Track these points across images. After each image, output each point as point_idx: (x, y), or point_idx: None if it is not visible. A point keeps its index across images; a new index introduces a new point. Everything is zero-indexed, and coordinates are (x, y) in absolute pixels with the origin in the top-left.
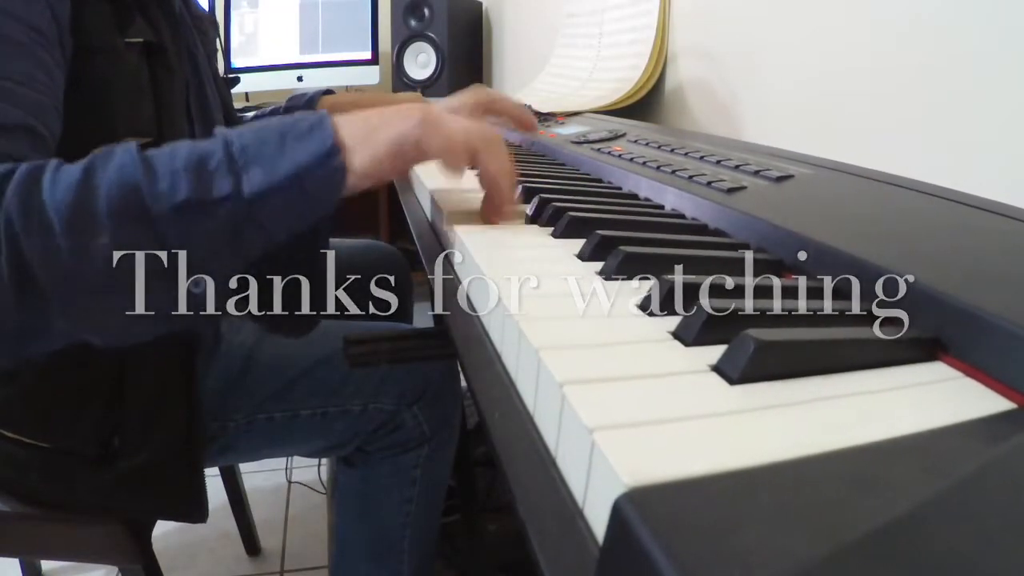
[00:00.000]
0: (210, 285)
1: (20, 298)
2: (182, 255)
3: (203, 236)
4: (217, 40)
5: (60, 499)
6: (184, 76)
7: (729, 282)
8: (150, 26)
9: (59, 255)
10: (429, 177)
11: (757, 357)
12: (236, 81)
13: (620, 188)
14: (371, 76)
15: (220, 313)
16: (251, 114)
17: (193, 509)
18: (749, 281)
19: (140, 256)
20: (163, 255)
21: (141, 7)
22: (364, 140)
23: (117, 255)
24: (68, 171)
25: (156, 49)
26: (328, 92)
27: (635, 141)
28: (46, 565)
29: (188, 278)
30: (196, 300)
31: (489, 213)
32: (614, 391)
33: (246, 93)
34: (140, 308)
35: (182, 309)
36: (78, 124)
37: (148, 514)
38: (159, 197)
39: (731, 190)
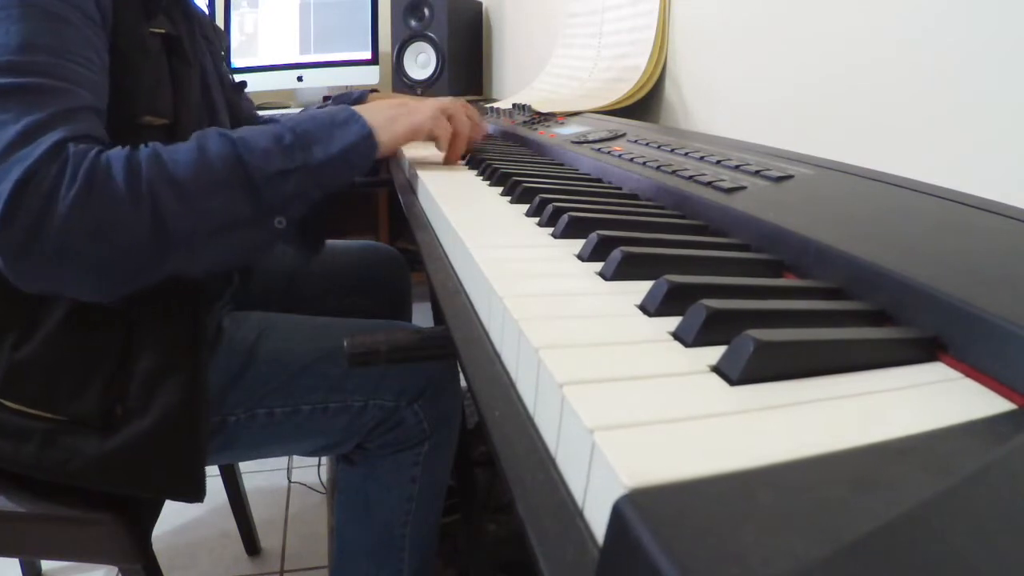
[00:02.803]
0: (286, 222)
1: (154, 242)
2: (269, 205)
3: (285, 192)
4: (223, 48)
5: (58, 472)
6: (198, 70)
7: (729, 282)
8: (169, 21)
9: (185, 211)
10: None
11: (757, 357)
12: (244, 85)
13: (620, 188)
14: (371, 76)
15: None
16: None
17: (191, 488)
18: (749, 281)
19: (242, 208)
20: (257, 206)
21: (163, 2)
22: (389, 126)
23: (227, 210)
24: (183, 148)
25: (175, 42)
26: (374, 91)
27: (635, 141)
28: (46, 565)
29: (273, 219)
30: (277, 235)
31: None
32: (614, 392)
33: (246, 85)
34: (236, 246)
35: (265, 244)
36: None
37: (145, 491)
38: (258, 167)
39: (731, 190)
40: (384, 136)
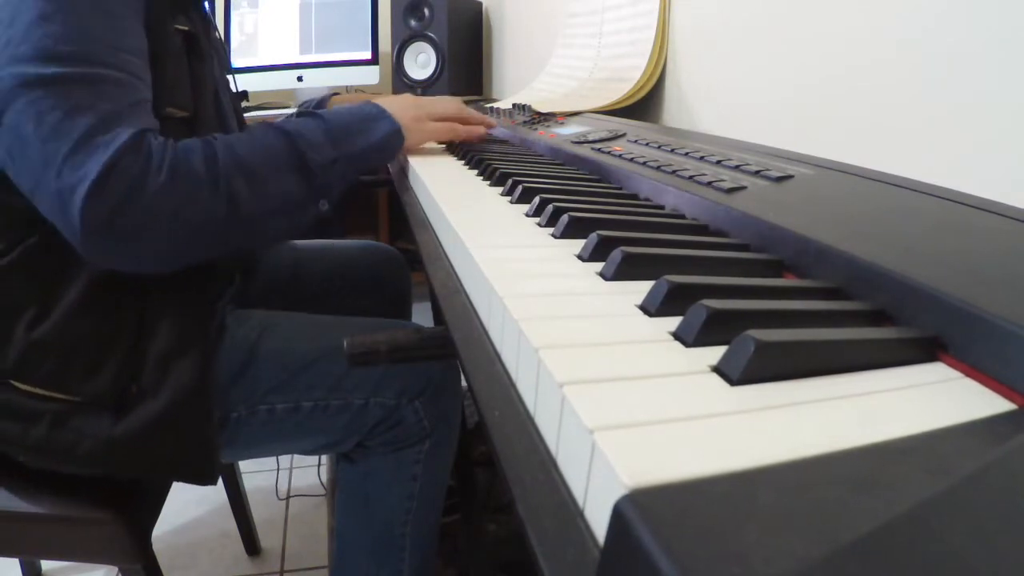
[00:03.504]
0: (328, 204)
1: (225, 223)
2: (320, 189)
3: (333, 177)
4: (224, 57)
5: (66, 456)
6: (213, 69)
7: (729, 282)
8: (189, 20)
9: (255, 194)
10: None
11: (758, 358)
12: (244, 95)
13: (620, 188)
14: (371, 76)
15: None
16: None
17: (203, 469)
18: (749, 281)
19: (299, 191)
20: (310, 190)
21: (185, 2)
22: (416, 127)
23: (287, 193)
24: (243, 139)
25: (194, 39)
26: (335, 94)
27: (635, 141)
28: (46, 565)
29: (319, 201)
30: (318, 215)
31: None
32: (614, 392)
33: (247, 95)
34: (287, 225)
35: (307, 223)
36: None
37: (157, 471)
38: (314, 157)
39: (731, 190)
40: (411, 136)
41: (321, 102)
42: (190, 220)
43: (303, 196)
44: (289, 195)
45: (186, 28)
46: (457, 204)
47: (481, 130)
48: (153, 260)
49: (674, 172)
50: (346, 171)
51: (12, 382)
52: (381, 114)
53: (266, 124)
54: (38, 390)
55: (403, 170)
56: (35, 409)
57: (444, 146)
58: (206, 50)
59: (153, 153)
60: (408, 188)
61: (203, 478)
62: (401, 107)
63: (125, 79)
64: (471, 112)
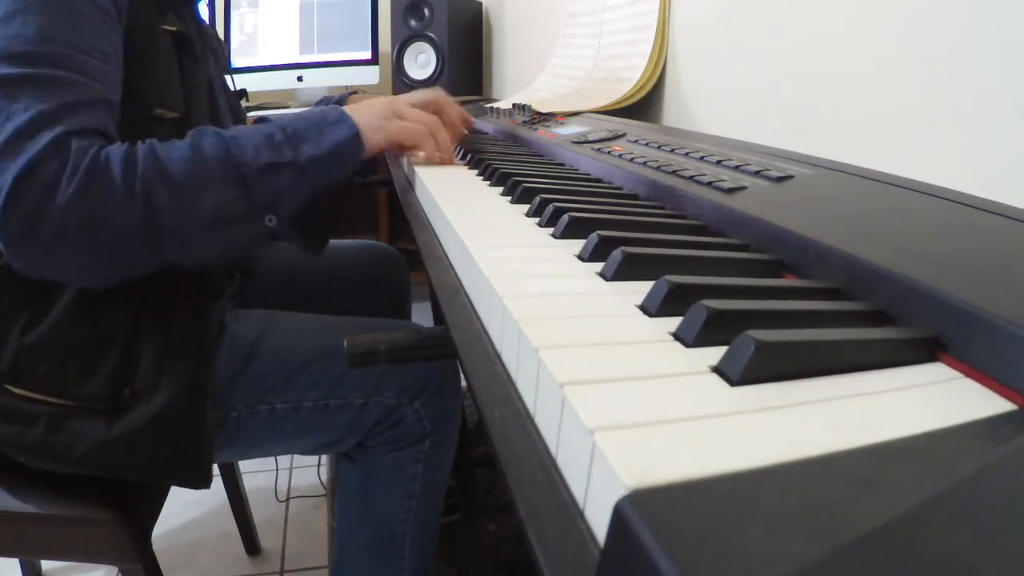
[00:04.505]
0: (276, 220)
1: (147, 236)
2: (261, 202)
3: (275, 188)
4: (224, 59)
5: (63, 457)
6: (206, 69)
7: (729, 282)
8: (180, 21)
9: (181, 207)
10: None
11: (758, 358)
12: (243, 93)
13: (620, 188)
14: (371, 76)
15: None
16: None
17: (197, 473)
18: (749, 281)
19: (235, 204)
20: (250, 203)
21: (175, 3)
22: (376, 128)
23: (219, 206)
24: (177, 147)
25: (185, 40)
26: (353, 93)
27: (635, 141)
28: (46, 565)
29: (264, 216)
30: (267, 231)
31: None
32: (615, 392)
33: (246, 93)
34: (228, 241)
35: (257, 240)
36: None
37: (151, 476)
38: (248, 164)
39: (731, 190)
40: (371, 138)
41: (340, 101)
42: (107, 232)
43: (240, 210)
44: (222, 208)
45: (175, 28)
46: (457, 204)
47: (456, 130)
48: (85, 274)
49: (674, 172)
50: (295, 183)
51: (6, 386)
52: (339, 118)
53: (209, 128)
54: (32, 394)
55: (403, 170)
56: (31, 412)
57: None
58: (199, 51)
59: (71, 157)
60: (408, 188)
61: (197, 482)
62: (368, 109)
63: (76, 79)
64: (447, 100)
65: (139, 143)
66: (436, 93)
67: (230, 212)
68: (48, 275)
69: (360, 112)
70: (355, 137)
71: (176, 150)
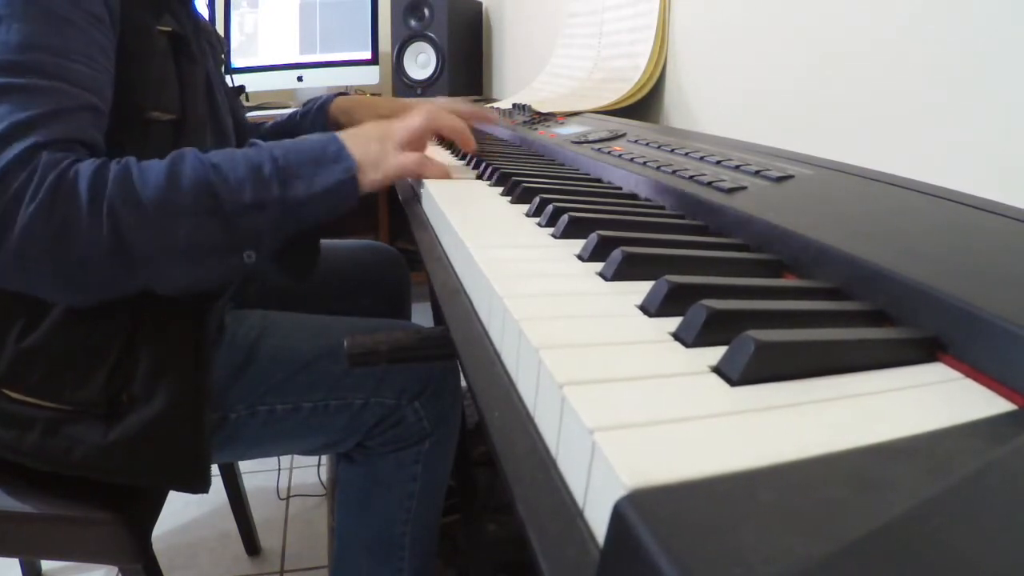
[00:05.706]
0: (256, 256)
1: (114, 260)
2: (240, 237)
3: (258, 225)
4: (223, 54)
5: (60, 461)
6: (204, 67)
7: (729, 282)
8: (176, 21)
9: (150, 234)
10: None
11: (758, 358)
12: (242, 89)
13: (620, 188)
14: (371, 76)
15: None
16: (269, 123)
17: (196, 477)
18: (749, 281)
19: (211, 236)
20: (227, 237)
21: (170, 3)
22: (374, 166)
23: (193, 237)
24: (153, 169)
25: (181, 40)
26: (340, 94)
27: (635, 141)
28: (46, 565)
29: (243, 252)
30: (245, 267)
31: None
32: (615, 392)
33: (246, 93)
34: (201, 273)
35: (233, 273)
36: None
37: (149, 480)
38: (229, 197)
39: (731, 190)
40: (369, 176)
41: (325, 102)
42: (70, 252)
43: (216, 242)
44: (195, 239)
45: (171, 29)
46: (457, 204)
47: (469, 144)
48: (54, 291)
49: (674, 172)
50: (278, 220)
51: (3, 390)
52: (338, 155)
53: (192, 152)
54: (29, 398)
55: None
56: (28, 416)
57: (444, 146)
58: (196, 50)
59: (39, 169)
60: (408, 188)
61: (196, 486)
62: (365, 142)
63: (57, 87)
64: (444, 116)
65: (115, 161)
66: (435, 110)
67: (205, 244)
68: (20, 288)
69: (360, 142)
70: (351, 180)
71: (151, 174)
